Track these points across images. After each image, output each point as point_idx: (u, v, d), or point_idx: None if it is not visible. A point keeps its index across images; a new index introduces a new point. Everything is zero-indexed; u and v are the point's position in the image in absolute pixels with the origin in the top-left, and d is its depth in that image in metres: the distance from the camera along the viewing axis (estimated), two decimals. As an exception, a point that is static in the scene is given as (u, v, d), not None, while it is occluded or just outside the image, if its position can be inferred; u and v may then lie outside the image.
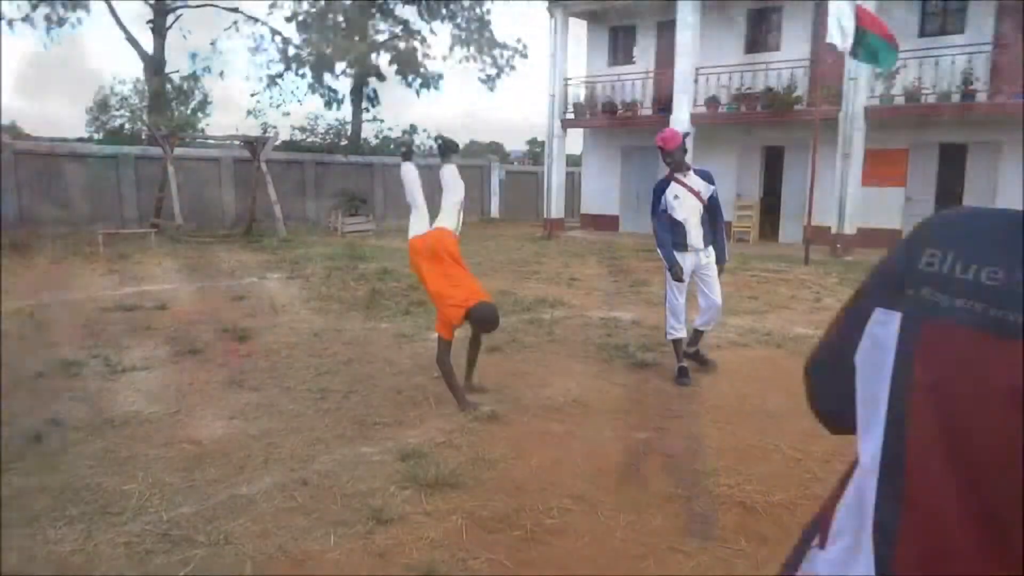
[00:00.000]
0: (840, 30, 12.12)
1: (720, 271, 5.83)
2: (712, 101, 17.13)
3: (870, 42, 12.15)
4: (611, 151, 20.54)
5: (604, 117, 19.34)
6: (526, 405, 5.04)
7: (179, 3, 24.34)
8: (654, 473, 3.96)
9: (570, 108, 19.92)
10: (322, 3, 27.35)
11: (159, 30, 23.45)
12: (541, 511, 3.49)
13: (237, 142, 19.33)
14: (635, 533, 3.31)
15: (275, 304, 8.60)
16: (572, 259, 14.09)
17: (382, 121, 27.91)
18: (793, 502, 3.62)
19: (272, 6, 27.12)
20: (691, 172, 5.71)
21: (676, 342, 5.82)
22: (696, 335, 6.07)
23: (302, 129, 25.12)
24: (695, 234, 5.64)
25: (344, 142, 24.57)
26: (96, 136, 33.67)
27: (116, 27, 23.20)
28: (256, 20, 26.08)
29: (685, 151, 5.68)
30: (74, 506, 3.44)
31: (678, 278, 5.58)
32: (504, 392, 5.33)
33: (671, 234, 5.67)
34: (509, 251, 15.60)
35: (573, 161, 26.33)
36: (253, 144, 17.81)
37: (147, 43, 23.62)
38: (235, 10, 25.40)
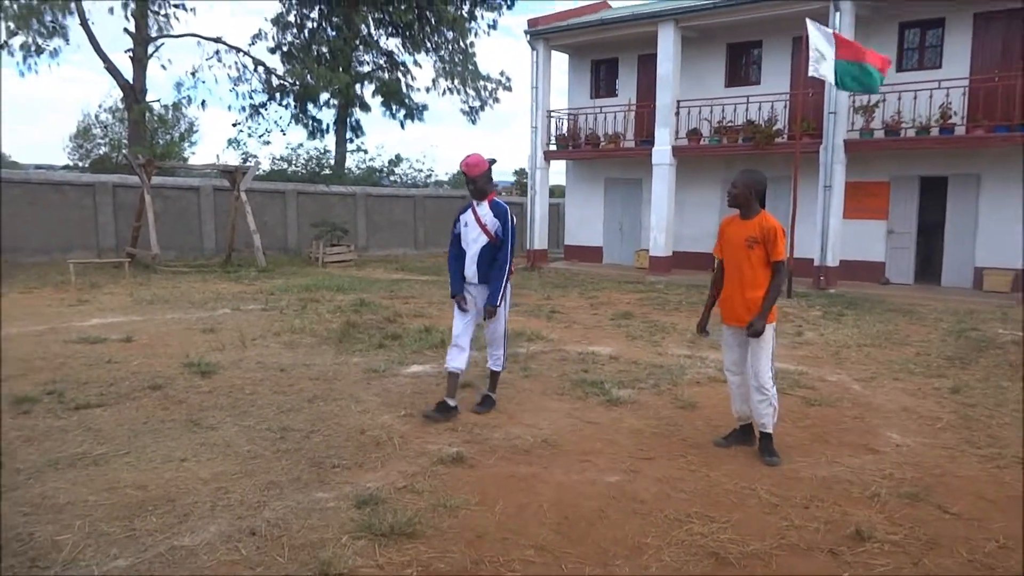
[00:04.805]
0: (822, 60, 12.20)
1: (488, 314, 5.43)
2: (694, 134, 17.18)
3: (853, 71, 12.24)
4: (594, 183, 20.52)
5: (587, 149, 19.36)
6: (494, 446, 4.84)
7: (160, 34, 24.22)
8: (624, 520, 3.76)
9: (553, 140, 19.93)
10: (306, 34, 27.42)
11: (139, 59, 23.32)
12: (501, 564, 3.28)
13: (217, 171, 19.18)
14: (600, 588, 3.11)
15: (245, 337, 8.37)
16: (554, 291, 13.95)
17: (366, 151, 27.85)
18: (768, 552, 3.43)
19: (256, 36, 27.19)
20: (485, 203, 5.47)
21: (448, 374, 5.50)
22: (491, 375, 5.82)
23: (284, 159, 25.03)
24: (471, 267, 5.47)
25: (327, 171, 24.45)
26: (80, 164, 33.52)
27: (96, 55, 23.04)
28: (239, 50, 26.04)
29: (490, 179, 5.46)
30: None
31: (454, 300, 5.56)
32: (472, 431, 5.13)
33: (457, 260, 5.57)
34: (490, 282, 15.43)
35: (558, 192, 26.34)
36: (233, 173, 17.64)
37: (128, 71, 23.50)
38: (218, 40, 25.33)
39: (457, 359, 5.43)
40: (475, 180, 5.38)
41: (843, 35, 13.41)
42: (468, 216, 5.50)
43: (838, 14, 14.36)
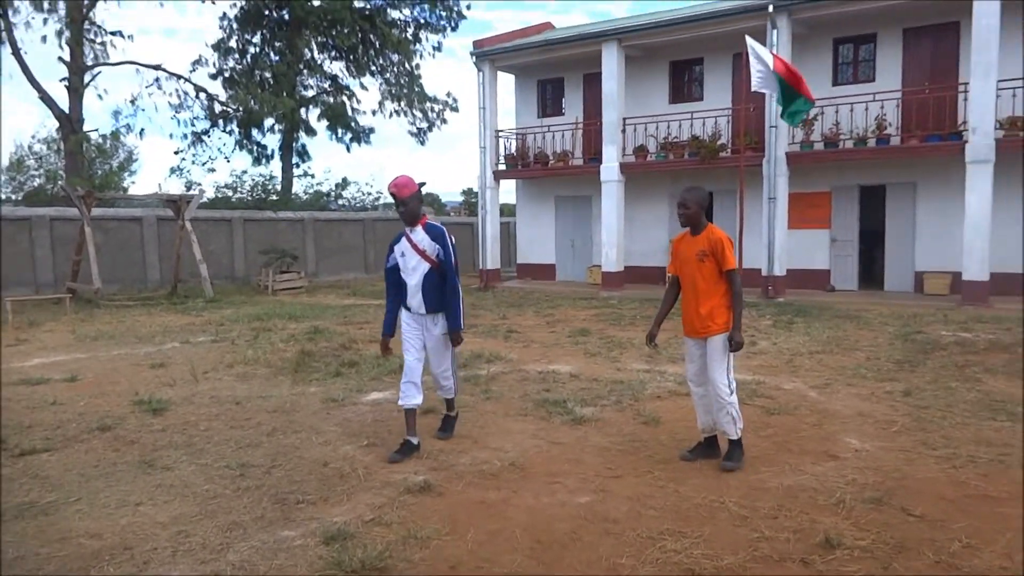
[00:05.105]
0: (763, 75, 12.46)
1: (454, 340, 5.24)
2: (640, 150, 17.45)
3: (785, 97, 12.53)
4: (544, 200, 20.66)
5: (536, 167, 19.49)
6: (461, 472, 4.77)
7: (96, 62, 23.66)
8: (597, 541, 3.74)
9: (502, 159, 20.02)
10: (248, 59, 27.10)
11: (75, 88, 22.73)
12: (477, 594, 3.22)
13: (160, 200, 18.74)
14: (579, 613, 3.07)
15: (196, 371, 8.14)
16: (509, 310, 13.93)
17: (313, 176, 27.57)
18: (742, 565, 3.44)
19: (196, 63, 26.77)
20: (419, 227, 5.13)
21: (405, 412, 5.18)
22: (447, 402, 5.65)
23: (228, 186, 24.60)
24: (415, 297, 5.15)
25: (274, 197, 24.09)
26: (13, 197, 32.37)
27: (29, 85, 22.39)
28: (179, 77, 25.58)
29: (421, 201, 5.12)
30: (-55, 622, 3.02)
31: (383, 336, 5.35)
32: (438, 458, 5.05)
33: (396, 293, 5.29)
34: (445, 304, 15.34)
35: (508, 211, 26.42)
36: (177, 202, 17.26)
37: (63, 101, 22.85)
38: (158, 67, 24.86)
39: (413, 396, 5.14)
40: (405, 201, 5.01)
41: (780, 53, 13.81)
42: (403, 245, 5.17)
43: (775, 31, 14.80)
